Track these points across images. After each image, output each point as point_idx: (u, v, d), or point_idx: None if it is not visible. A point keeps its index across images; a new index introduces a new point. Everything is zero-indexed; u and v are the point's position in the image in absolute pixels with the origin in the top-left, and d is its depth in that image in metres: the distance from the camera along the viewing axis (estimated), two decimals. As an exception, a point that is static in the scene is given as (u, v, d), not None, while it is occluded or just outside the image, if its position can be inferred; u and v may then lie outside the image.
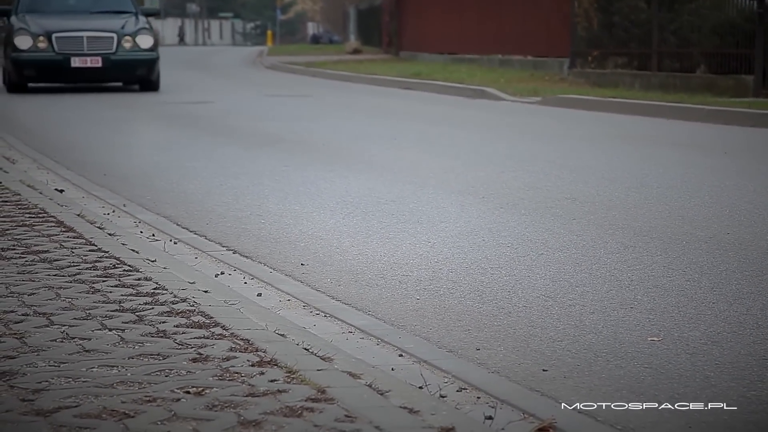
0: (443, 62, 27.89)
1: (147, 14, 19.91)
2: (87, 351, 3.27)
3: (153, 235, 5.77)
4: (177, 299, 3.93)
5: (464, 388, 3.24)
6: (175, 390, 2.90)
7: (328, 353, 3.35)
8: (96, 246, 4.95)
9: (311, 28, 77.29)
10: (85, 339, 3.39)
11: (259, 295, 4.45)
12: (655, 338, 3.77)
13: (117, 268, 4.48)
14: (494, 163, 8.79)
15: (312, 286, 4.64)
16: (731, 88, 15.90)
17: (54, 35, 18.20)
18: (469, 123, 13.07)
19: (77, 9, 19.52)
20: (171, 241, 5.61)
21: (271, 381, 2.98)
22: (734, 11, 16.80)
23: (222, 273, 4.86)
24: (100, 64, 18.13)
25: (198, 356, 3.22)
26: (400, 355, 3.60)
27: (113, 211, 6.50)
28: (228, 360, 3.18)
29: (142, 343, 3.36)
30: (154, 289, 4.10)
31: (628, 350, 3.64)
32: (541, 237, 5.63)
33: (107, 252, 4.81)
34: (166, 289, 4.08)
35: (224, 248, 5.48)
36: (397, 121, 13.07)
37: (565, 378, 3.37)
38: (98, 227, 5.51)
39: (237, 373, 3.06)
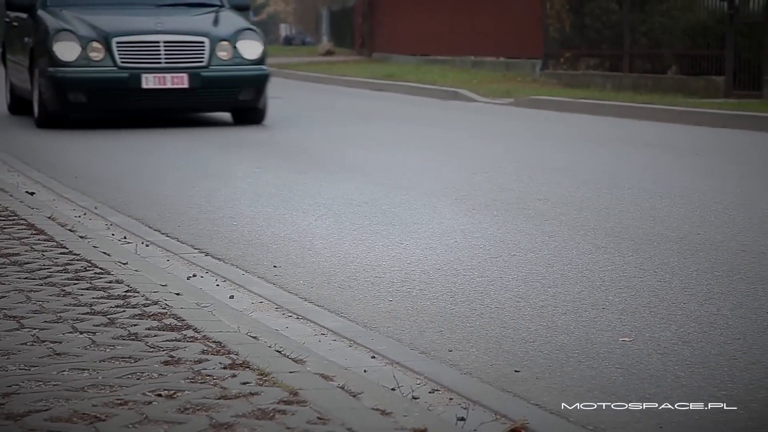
0: (416, 63, 27.92)
1: (235, 8, 13.24)
2: (58, 354, 3.25)
3: (125, 237, 5.75)
4: (149, 302, 3.92)
5: (437, 390, 3.24)
6: (147, 393, 2.89)
7: (301, 355, 3.34)
8: (67, 249, 4.93)
9: (284, 30, 77.18)
10: (55, 342, 3.38)
11: (232, 297, 4.44)
12: (626, 339, 3.79)
13: (88, 270, 4.46)
14: (467, 165, 8.80)
15: (285, 289, 4.63)
16: (702, 89, 15.98)
17: (115, 40, 11.86)
18: (442, 124, 13.08)
19: (138, 0, 13.06)
20: (143, 243, 5.59)
21: (243, 383, 2.98)
22: (705, 13, 16.90)
23: (194, 275, 4.85)
24: (186, 84, 11.89)
25: (170, 359, 3.21)
26: (373, 357, 3.60)
27: (84, 214, 6.48)
28: (200, 363, 3.17)
29: (113, 346, 3.35)
30: (126, 291, 4.09)
31: (599, 351, 3.65)
32: (513, 238, 5.64)
33: (78, 255, 4.79)
34: (138, 292, 4.07)
35: (196, 251, 5.46)
36: (369, 123, 13.06)
37: (537, 379, 3.38)
38: (69, 230, 5.49)
39: (209, 375, 3.05)
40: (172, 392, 2.90)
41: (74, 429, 2.64)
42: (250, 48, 12.31)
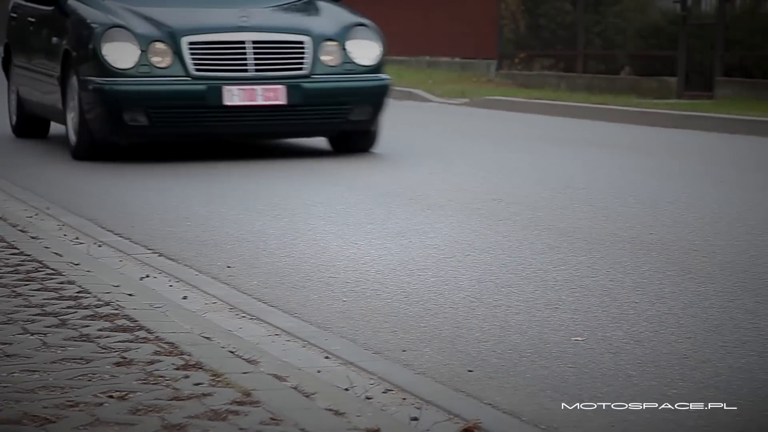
0: (371, 64, 27.93)
1: None
2: (8, 356, 3.22)
3: (77, 238, 5.71)
4: (101, 303, 3.89)
5: (390, 390, 3.24)
6: (98, 395, 2.88)
7: (254, 356, 3.34)
8: (18, 249, 4.89)
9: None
10: (6, 344, 3.35)
11: (185, 298, 4.42)
12: (579, 338, 3.81)
13: (40, 271, 4.43)
14: (421, 165, 8.81)
15: (238, 289, 4.62)
16: (655, 90, 16.11)
17: (185, 40, 8.75)
18: (397, 124, 13.09)
19: None
20: (95, 244, 5.56)
21: (196, 384, 2.97)
22: (658, 14, 17.04)
23: (147, 276, 4.82)
24: (282, 100, 8.82)
25: (122, 360, 3.19)
26: (327, 357, 3.60)
27: (36, 214, 6.42)
28: (152, 364, 3.16)
29: (64, 347, 3.33)
30: (78, 292, 4.06)
31: (552, 350, 3.67)
32: (467, 238, 5.66)
33: (30, 255, 4.75)
34: (90, 293, 4.04)
35: (149, 251, 5.44)
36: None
37: (490, 378, 3.39)
38: (21, 230, 5.44)
39: (161, 376, 3.04)
40: (123, 393, 2.88)
41: (24, 431, 2.62)
42: (365, 50, 9.17)
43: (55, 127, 10.64)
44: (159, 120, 8.73)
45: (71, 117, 9.12)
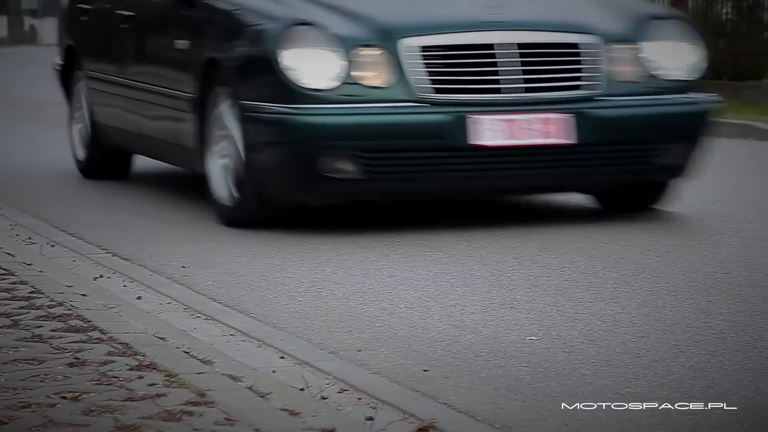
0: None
1: None
2: (-41, 357, 3.19)
3: (29, 238, 5.66)
4: (54, 303, 3.87)
5: (345, 390, 3.24)
6: (51, 395, 2.86)
7: (209, 356, 3.33)
8: (-30, 249, 4.85)
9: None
10: (-43, 345, 3.32)
11: (139, 298, 4.40)
12: (533, 337, 3.83)
13: (-8, 271, 4.39)
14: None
15: (193, 289, 4.61)
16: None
17: (407, 44, 5.54)
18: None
19: None
20: (48, 244, 5.51)
21: (150, 385, 2.96)
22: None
23: (101, 276, 4.79)
24: (568, 138, 5.60)
25: (75, 361, 3.17)
26: (282, 357, 3.60)
27: (-12, 214, 6.36)
28: (106, 364, 3.14)
29: (16, 348, 3.30)
30: (30, 293, 4.03)
31: (507, 349, 3.69)
32: (423, 237, 5.66)
33: (-19, 256, 4.71)
34: (43, 293, 4.01)
35: (103, 251, 5.40)
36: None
37: (446, 378, 3.40)
38: (-28, 230, 5.39)
39: (115, 377, 3.02)
40: (77, 394, 2.87)
41: (-24, 433, 2.60)
42: (673, 56, 5.96)
43: (143, 164, 7.84)
44: (376, 170, 5.60)
45: (222, 163, 5.95)
